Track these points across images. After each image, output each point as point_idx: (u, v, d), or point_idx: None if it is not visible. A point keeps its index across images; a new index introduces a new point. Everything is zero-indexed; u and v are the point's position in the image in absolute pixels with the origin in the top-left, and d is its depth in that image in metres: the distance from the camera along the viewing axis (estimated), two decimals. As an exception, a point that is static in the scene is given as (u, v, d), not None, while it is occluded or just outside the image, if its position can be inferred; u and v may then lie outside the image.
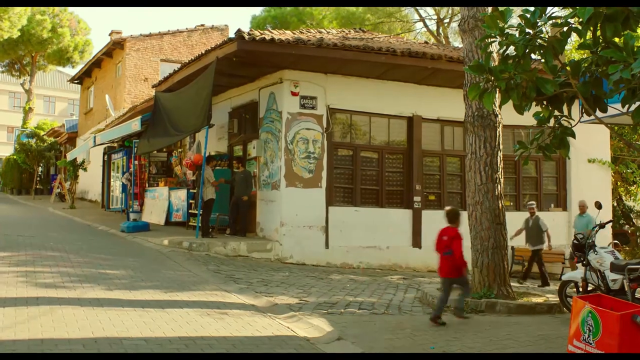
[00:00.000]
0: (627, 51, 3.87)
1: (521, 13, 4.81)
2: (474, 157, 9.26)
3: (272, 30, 14.22)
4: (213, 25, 29.04)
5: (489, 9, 9.50)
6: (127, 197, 20.46)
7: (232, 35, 12.98)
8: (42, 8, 38.18)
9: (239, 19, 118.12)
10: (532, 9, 4.61)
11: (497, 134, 9.27)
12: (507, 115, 8.46)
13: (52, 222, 19.22)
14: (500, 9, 4.82)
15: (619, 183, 19.68)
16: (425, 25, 16.90)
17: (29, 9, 34.38)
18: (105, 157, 25.89)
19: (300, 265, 12.98)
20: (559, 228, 15.65)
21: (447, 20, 24.97)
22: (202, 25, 28.96)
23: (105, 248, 12.53)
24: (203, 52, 14.53)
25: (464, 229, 9.81)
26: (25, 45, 39.09)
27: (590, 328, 4.13)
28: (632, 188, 19.69)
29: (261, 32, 13.13)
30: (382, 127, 14.83)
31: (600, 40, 4.49)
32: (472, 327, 7.49)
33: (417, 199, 14.70)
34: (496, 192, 9.15)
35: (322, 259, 13.55)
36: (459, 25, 10.14)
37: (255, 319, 7.15)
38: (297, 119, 13.58)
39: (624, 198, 19.97)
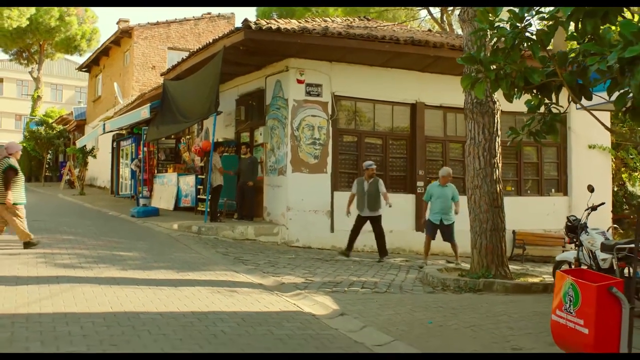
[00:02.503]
0: (604, 44, 4.21)
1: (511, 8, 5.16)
2: (472, 143, 9.61)
3: (278, 20, 14.54)
4: (219, 14, 29.33)
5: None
6: (137, 183, 20.92)
7: (238, 23, 13.36)
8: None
9: (245, 7, 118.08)
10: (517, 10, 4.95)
11: (495, 120, 9.60)
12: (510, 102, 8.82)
13: (63, 208, 19.68)
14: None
15: (622, 169, 19.95)
16: (430, 13, 17.15)
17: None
18: (114, 144, 26.31)
19: (306, 248, 13.36)
20: (559, 212, 15.94)
21: (451, 8, 25.16)
22: (209, 13, 29.27)
23: (117, 232, 12.97)
24: (210, 41, 14.86)
25: (464, 211, 10.23)
26: (34, 34, 39.45)
27: (571, 299, 4.50)
28: (635, 174, 19.94)
29: (267, 21, 13.46)
30: (386, 113, 15.15)
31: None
32: (470, 304, 7.86)
33: (420, 184, 15.03)
34: (494, 176, 9.49)
35: (327, 243, 13.92)
36: (459, 15, 10.45)
37: (263, 296, 7.55)
38: (302, 106, 13.92)
39: (628, 184, 20.18)
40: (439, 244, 14.66)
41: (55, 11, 38.72)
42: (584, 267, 8.07)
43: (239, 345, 5.40)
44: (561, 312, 4.60)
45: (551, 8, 4.79)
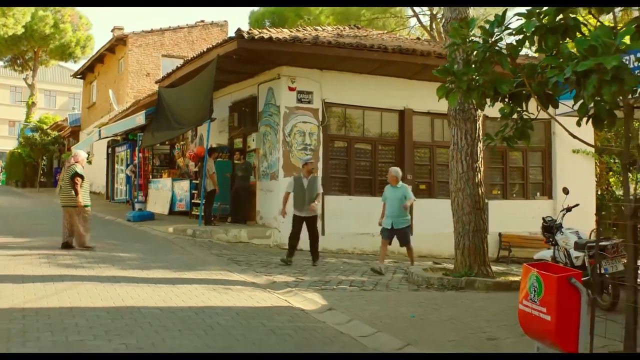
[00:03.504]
0: (563, 58, 4.67)
1: (482, 24, 5.61)
2: (456, 148, 10.07)
3: (270, 29, 15.00)
4: (213, 21, 29.78)
5: (470, 9, 10.30)
6: (132, 188, 21.31)
7: (231, 30, 13.87)
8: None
9: (238, 14, 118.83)
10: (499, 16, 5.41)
11: (477, 127, 10.07)
12: (482, 110, 9.31)
13: (59, 213, 19.93)
14: (484, 7, 5.61)
15: (610, 173, 20.44)
16: (419, 21, 17.60)
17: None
18: (109, 150, 26.65)
19: (297, 251, 13.74)
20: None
21: (440, 16, 25.70)
22: (202, 21, 29.72)
23: (114, 235, 13.36)
24: (205, 49, 15.30)
25: (448, 213, 10.67)
26: (28, 41, 39.79)
27: (535, 289, 4.94)
28: (622, 178, 20.36)
29: (260, 30, 13.91)
30: (375, 120, 15.61)
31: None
32: (451, 300, 8.31)
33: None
34: (476, 180, 9.95)
35: (319, 245, 14.32)
36: (442, 26, 10.94)
37: (255, 293, 7.99)
38: (294, 112, 14.36)
39: (614, 188, 20.58)
40: (427, 245, 15.23)
41: (50, 18, 39.07)
42: (560, 264, 8.54)
43: (234, 336, 5.83)
44: (527, 301, 5.04)
45: (518, 23, 5.25)
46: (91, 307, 6.47)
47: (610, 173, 20.50)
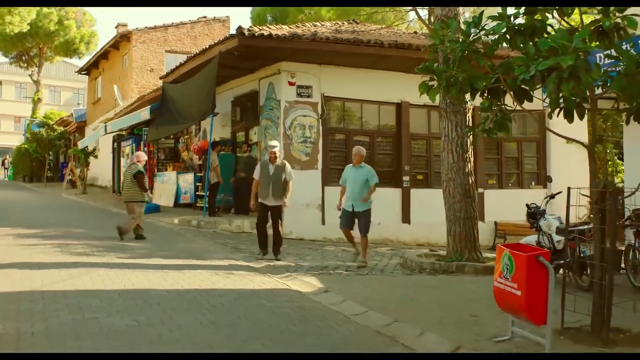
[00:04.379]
0: (529, 57, 5.14)
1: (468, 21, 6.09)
2: (446, 139, 10.56)
3: (270, 26, 15.49)
4: (215, 17, 30.28)
5: (460, 8, 10.77)
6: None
7: (233, 25, 14.34)
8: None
9: (240, 9, 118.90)
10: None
11: (467, 119, 10.55)
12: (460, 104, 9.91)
13: (68, 206, 20.62)
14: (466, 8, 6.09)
15: (610, 163, 20.83)
16: (418, 15, 17.81)
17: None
18: (115, 144, 27.18)
19: (298, 239, 14.29)
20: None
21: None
22: (205, 17, 30.21)
23: (122, 226, 13.88)
24: (207, 46, 15.79)
25: (439, 202, 11.15)
26: (33, 38, 40.37)
27: (507, 267, 5.43)
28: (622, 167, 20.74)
29: (260, 28, 14.40)
30: (373, 112, 16.08)
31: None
32: (441, 283, 8.81)
33: (406, 178, 15.97)
34: (466, 170, 10.44)
35: (319, 234, 14.85)
36: (433, 24, 11.38)
37: (256, 278, 8.52)
38: (294, 106, 14.84)
39: (615, 177, 20.93)
40: (424, 234, 15.75)
41: (55, 15, 39.64)
42: (545, 249, 9.03)
43: (236, 314, 6.35)
44: (501, 279, 5.54)
45: (493, 24, 5.73)
46: (104, 289, 7.02)
47: (610, 162, 20.90)
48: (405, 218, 15.89)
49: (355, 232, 10.37)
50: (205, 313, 6.29)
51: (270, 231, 10.57)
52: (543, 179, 17.94)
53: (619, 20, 4.94)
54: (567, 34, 4.80)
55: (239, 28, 13.59)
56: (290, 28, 15.47)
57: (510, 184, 17.74)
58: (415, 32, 20.99)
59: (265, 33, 13.67)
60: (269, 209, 10.44)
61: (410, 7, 26.56)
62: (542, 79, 5.07)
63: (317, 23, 18.09)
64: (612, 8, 4.93)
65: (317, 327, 6.11)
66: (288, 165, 10.71)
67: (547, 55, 4.83)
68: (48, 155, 36.72)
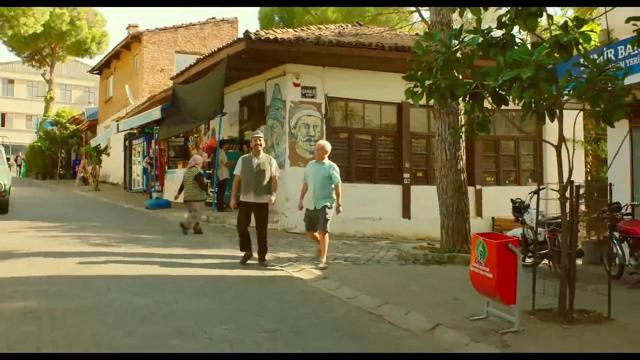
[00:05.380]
0: (499, 68, 5.83)
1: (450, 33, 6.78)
2: (440, 139, 11.25)
3: (276, 30, 16.18)
4: (223, 18, 31.07)
5: (455, 14, 11.43)
6: (148, 178, 22.67)
7: (241, 26, 15.14)
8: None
9: (248, 9, 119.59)
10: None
11: (459, 119, 11.22)
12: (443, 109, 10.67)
13: (83, 202, 21.44)
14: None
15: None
16: (421, 16, 18.37)
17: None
18: (126, 142, 28.02)
19: (303, 234, 14.95)
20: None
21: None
22: (213, 18, 31.01)
23: (135, 221, 14.71)
24: (216, 49, 16.53)
25: (434, 197, 11.83)
26: (46, 38, 41.33)
27: (481, 253, 6.12)
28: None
29: (266, 31, 15.10)
30: (375, 112, 16.76)
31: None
32: (433, 272, 9.50)
33: (406, 175, 16.64)
34: (459, 167, 11.13)
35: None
36: (428, 29, 12.06)
37: (261, 266, 9.24)
38: (299, 106, 15.54)
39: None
40: (424, 229, 16.42)
41: (67, 16, 40.55)
42: (529, 240, 9.72)
43: (241, 296, 7.10)
44: (476, 263, 6.24)
45: (471, 37, 6.42)
46: (123, 275, 7.79)
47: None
48: (406, 213, 16.56)
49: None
50: (214, 295, 7.03)
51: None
52: (539, 177, 18.58)
53: (577, 35, 5.63)
54: (527, 48, 5.49)
55: (246, 32, 14.31)
56: (296, 31, 16.17)
57: (507, 182, 18.38)
58: (417, 34, 21.63)
59: (271, 37, 14.38)
60: (251, 208, 9.52)
61: (414, 9, 27.34)
62: (510, 87, 5.76)
63: (322, 26, 18.80)
64: (570, 24, 5.61)
65: (314, 308, 6.83)
66: (273, 160, 9.95)
67: (511, 66, 5.52)
68: (60, 153, 37.61)
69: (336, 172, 9.81)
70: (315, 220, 9.66)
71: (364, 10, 27.94)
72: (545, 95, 6.13)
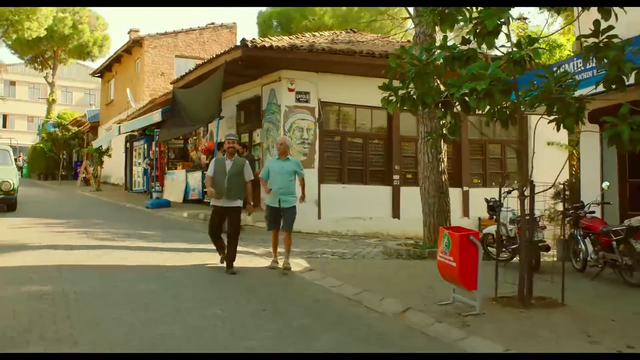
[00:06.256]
0: (463, 79, 6.58)
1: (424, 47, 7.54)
2: (423, 142, 12.01)
3: (272, 37, 16.96)
4: (222, 24, 31.86)
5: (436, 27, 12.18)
6: (149, 179, 23.44)
7: (239, 32, 15.90)
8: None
9: (246, 14, 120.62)
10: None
11: (441, 123, 11.96)
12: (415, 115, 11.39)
13: (85, 201, 22.20)
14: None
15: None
16: (414, 22, 19.12)
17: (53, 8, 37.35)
18: (127, 144, 28.76)
19: (296, 232, 15.65)
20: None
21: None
22: (213, 23, 31.81)
23: (136, 219, 15.47)
24: (214, 55, 17.30)
25: (416, 197, 12.57)
26: (48, 41, 42.17)
27: (447, 244, 6.88)
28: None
29: (262, 39, 15.87)
30: (366, 116, 17.50)
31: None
32: (413, 266, 10.26)
33: (396, 177, 17.38)
34: (440, 169, 11.88)
35: (315, 228, 16.28)
36: (413, 39, 12.81)
37: (254, 259, 10.05)
38: (293, 111, 16.29)
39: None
40: (413, 228, 17.14)
41: (69, 20, 41.37)
42: (503, 237, 10.46)
43: (234, 284, 7.86)
44: (442, 254, 6.99)
45: (438, 52, 7.18)
46: (127, 265, 8.56)
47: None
48: (395, 213, 17.30)
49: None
50: (210, 283, 7.80)
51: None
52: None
53: (529, 51, 6.39)
54: (484, 63, 6.26)
55: (243, 40, 15.07)
56: (290, 39, 16.94)
57: (494, 184, 19.10)
58: (409, 41, 22.40)
59: (267, 44, 15.14)
60: (224, 213, 9.15)
61: (407, 16, 28.15)
62: (469, 96, 6.52)
63: (316, 33, 19.59)
64: (523, 42, 6.37)
65: (299, 295, 7.59)
66: (247, 163, 9.40)
67: (470, 79, 6.28)
68: (62, 154, 38.31)
69: (302, 168, 9.77)
70: (279, 218, 9.53)
71: (359, 16, 28.73)
72: (505, 104, 6.89)
